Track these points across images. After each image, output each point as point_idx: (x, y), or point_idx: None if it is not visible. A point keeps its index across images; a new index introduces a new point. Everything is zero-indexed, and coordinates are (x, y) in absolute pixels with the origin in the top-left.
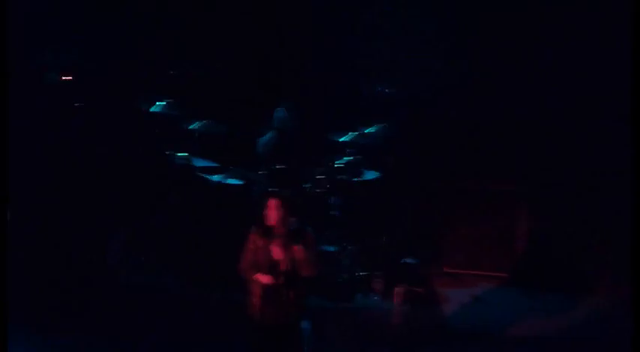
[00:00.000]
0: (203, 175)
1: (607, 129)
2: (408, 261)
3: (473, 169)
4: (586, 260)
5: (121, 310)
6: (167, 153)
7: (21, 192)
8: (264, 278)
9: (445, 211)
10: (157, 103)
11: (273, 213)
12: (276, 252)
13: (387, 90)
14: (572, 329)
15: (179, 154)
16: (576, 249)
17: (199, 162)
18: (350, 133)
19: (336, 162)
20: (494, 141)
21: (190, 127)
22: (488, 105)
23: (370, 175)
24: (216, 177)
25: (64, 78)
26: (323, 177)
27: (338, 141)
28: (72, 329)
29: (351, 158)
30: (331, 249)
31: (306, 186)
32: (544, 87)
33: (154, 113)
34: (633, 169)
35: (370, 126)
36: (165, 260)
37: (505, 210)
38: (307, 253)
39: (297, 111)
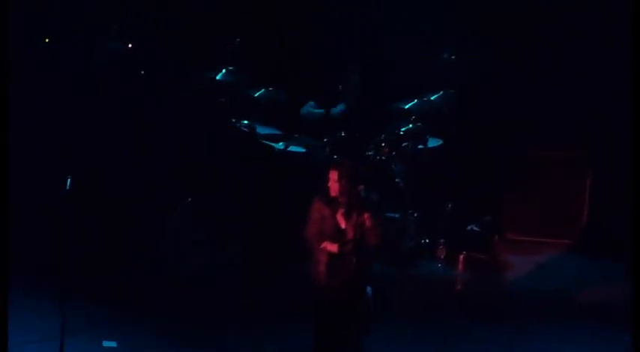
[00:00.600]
0: (267, 142)
1: None
2: (472, 228)
3: (537, 136)
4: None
5: (186, 289)
6: (233, 120)
7: (77, 166)
8: (331, 247)
9: (510, 179)
10: (222, 71)
11: (337, 182)
12: (343, 221)
13: (452, 57)
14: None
15: (244, 122)
16: None
17: (263, 130)
18: (414, 100)
19: (400, 129)
20: (559, 106)
21: (255, 95)
22: (553, 72)
23: (433, 142)
24: (279, 145)
25: (129, 45)
26: (386, 144)
27: (402, 108)
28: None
29: (415, 125)
30: (395, 216)
31: (370, 153)
32: (608, 51)
33: (218, 81)
34: (633, 169)
35: (434, 93)
36: (228, 233)
37: (570, 177)
38: (376, 221)
39: (361, 78)
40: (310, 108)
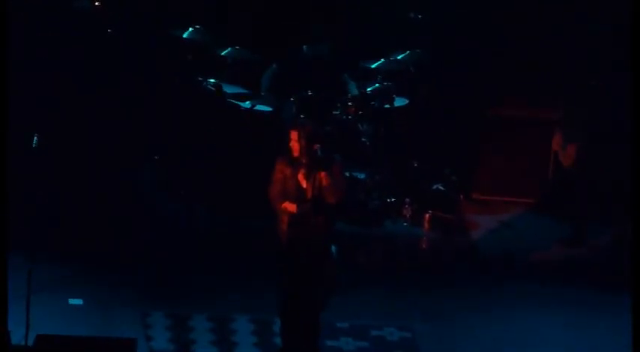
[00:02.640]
0: (234, 101)
1: None
2: (438, 187)
3: (504, 96)
4: (613, 189)
5: (151, 238)
6: (200, 79)
7: (53, 120)
8: (291, 207)
9: (475, 138)
10: (190, 29)
11: (297, 143)
12: (302, 181)
13: (419, 16)
14: (596, 255)
15: (210, 80)
16: (605, 178)
17: (230, 89)
18: (381, 60)
19: (367, 88)
20: (528, 68)
21: (222, 54)
22: (524, 34)
23: (400, 102)
24: (246, 104)
25: (96, 3)
26: (353, 104)
27: (369, 68)
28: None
29: (382, 84)
30: (361, 175)
31: (336, 113)
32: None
33: (186, 39)
34: (633, 169)
35: (401, 52)
36: (196, 188)
37: (536, 137)
38: (333, 180)
39: (328, 37)
40: (274, 70)
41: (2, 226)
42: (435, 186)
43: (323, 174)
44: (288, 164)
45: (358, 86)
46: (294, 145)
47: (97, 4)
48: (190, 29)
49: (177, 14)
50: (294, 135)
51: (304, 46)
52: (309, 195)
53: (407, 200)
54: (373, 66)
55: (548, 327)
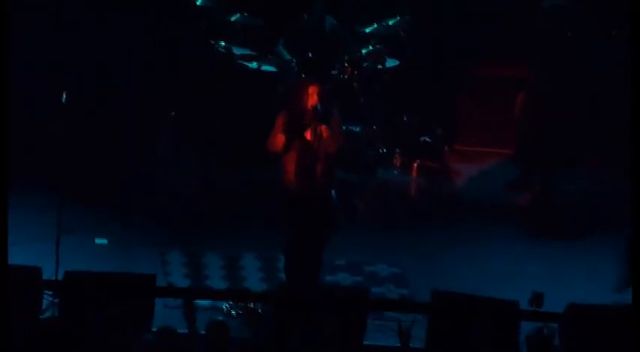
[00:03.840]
0: (242, 62)
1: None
2: (425, 139)
3: (487, 56)
4: (583, 139)
5: (169, 185)
6: (212, 42)
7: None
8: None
9: (459, 94)
10: None
11: (300, 99)
12: (305, 133)
13: None
14: (569, 199)
15: (221, 43)
16: (575, 130)
17: (239, 51)
18: (374, 25)
19: (362, 51)
20: (510, 26)
21: (232, 19)
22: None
23: (391, 63)
24: (253, 64)
25: None
26: (349, 65)
27: (363, 32)
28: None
29: (375, 48)
30: (356, 128)
31: (334, 73)
32: None
33: (198, 6)
34: (633, 169)
35: (392, 18)
36: (208, 145)
37: (512, 94)
38: (332, 132)
39: (326, 6)
40: (283, 48)
41: (3, 222)
42: (422, 138)
43: (323, 127)
44: (289, 118)
45: (353, 48)
46: (297, 102)
47: None
48: None
49: None
50: (297, 92)
51: (305, 14)
52: (312, 143)
53: (397, 150)
54: (367, 30)
55: (525, 264)
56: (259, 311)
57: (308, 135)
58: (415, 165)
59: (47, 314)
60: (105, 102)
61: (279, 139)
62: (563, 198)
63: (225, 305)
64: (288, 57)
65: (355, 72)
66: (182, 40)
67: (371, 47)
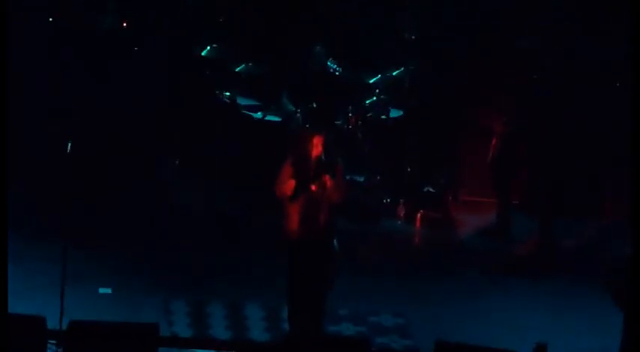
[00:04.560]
0: (246, 112)
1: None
2: (428, 189)
3: (485, 106)
4: (589, 187)
5: (173, 234)
6: (217, 92)
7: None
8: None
9: (464, 146)
10: (208, 48)
11: (304, 149)
12: (309, 182)
13: (412, 37)
14: (577, 248)
15: (226, 93)
16: (579, 177)
17: (243, 101)
18: (378, 75)
19: (366, 101)
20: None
21: (237, 70)
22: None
23: (395, 113)
24: (258, 114)
25: (123, 24)
26: (353, 115)
27: (367, 83)
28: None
29: (379, 98)
30: (360, 178)
31: (338, 122)
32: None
33: (204, 57)
34: (632, 169)
35: (396, 69)
36: (212, 185)
37: (515, 144)
38: (335, 182)
39: (330, 53)
40: (288, 99)
41: (3, 226)
42: (425, 188)
43: (326, 176)
44: (294, 166)
45: (358, 99)
46: (301, 151)
47: (124, 24)
48: (208, 48)
49: (196, 33)
50: (302, 142)
51: (308, 63)
52: (315, 195)
53: (401, 200)
54: (371, 81)
55: (528, 314)
56: None
57: (312, 184)
58: (419, 215)
59: None
60: (108, 151)
61: (289, 184)
62: (567, 247)
63: None
64: (292, 107)
65: (359, 122)
66: (189, 90)
67: (375, 97)
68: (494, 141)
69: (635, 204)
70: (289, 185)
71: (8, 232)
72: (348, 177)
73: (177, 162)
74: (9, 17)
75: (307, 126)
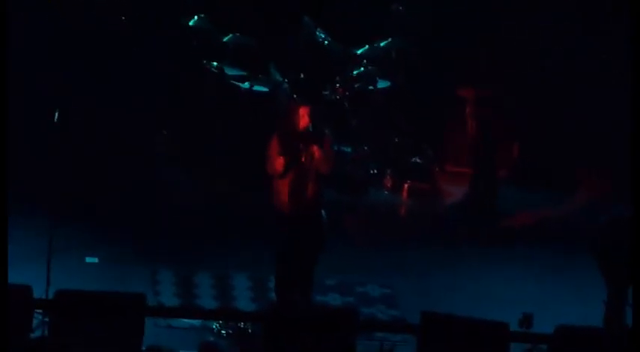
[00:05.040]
0: (234, 82)
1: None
2: (416, 160)
3: (474, 79)
4: (573, 160)
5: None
6: (204, 62)
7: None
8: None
9: (449, 116)
10: (195, 17)
11: (292, 120)
12: (297, 153)
13: (400, 8)
14: (562, 220)
15: (213, 63)
16: (565, 150)
17: (231, 71)
18: (366, 46)
19: (353, 72)
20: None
21: (224, 40)
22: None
23: (382, 84)
24: (245, 85)
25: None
26: (340, 85)
27: (355, 53)
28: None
29: (366, 68)
30: (348, 149)
31: (326, 93)
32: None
33: (192, 27)
34: (632, 170)
35: (383, 40)
36: (200, 163)
37: (501, 116)
38: (323, 153)
39: (319, 24)
40: (275, 69)
41: (2, 220)
42: (413, 159)
43: (315, 147)
44: (283, 140)
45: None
46: (290, 123)
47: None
48: (195, 17)
49: (183, 4)
50: (289, 113)
51: (297, 34)
52: (303, 166)
53: (388, 171)
54: (358, 51)
55: (514, 284)
56: (249, 331)
57: (300, 156)
58: (406, 185)
59: (37, 333)
60: (94, 120)
61: (279, 161)
62: (554, 218)
63: (215, 325)
64: (279, 78)
65: (347, 93)
66: (175, 60)
67: (362, 68)
68: (472, 112)
69: (636, 202)
70: (279, 161)
71: None
72: (335, 148)
73: (164, 132)
74: (9, 17)
75: (295, 96)
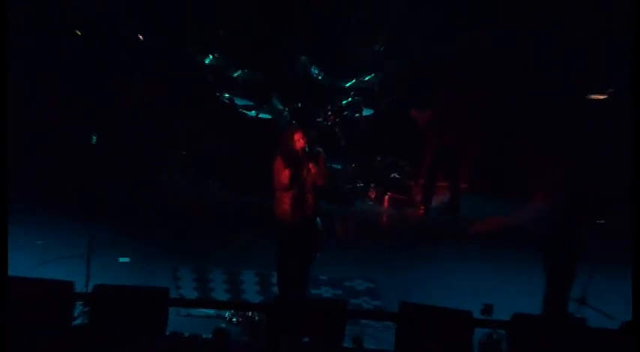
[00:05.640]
0: (243, 111)
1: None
2: (395, 175)
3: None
4: (526, 172)
5: (181, 212)
6: (217, 94)
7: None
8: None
9: (422, 138)
10: (210, 56)
11: (292, 142)
12: (296, 169)
13: (381, 49)
14: (517, 226)
15: (225, 95)
16: (518, 164)
17: (240, 101)
18: (353, 80)
19: (342, 102)
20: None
21: (234, 75)
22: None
23: (367, 112)
24: (252, 113)
25: (139, 37)
26: (332, 113)
27: (343, 86)
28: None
29: (353, 99)
30: (338, 166)
31: (319, 120)
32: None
33: (207, 64)
34: (633, 170)
35: (368, 75)
36: (215, 176)
37: (462, 135)
38: (318, 169)
39: (313, 61)
40: (277, 100)
41: (3, 222)
42: (392, 175)
43: (311, 164)
44: (285, 158)
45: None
46: (290, 144)
47: (140, 37)
48: (210, 56)
49: (200, 45)
50: (289, 136)
51: (293, 71)
52: (303, 179)
53: (372, 185)
54: (347, 85)
55: (477, 279)
56: (256, 319)
57: (299, 171)
58: (387, 197)
59: (78, 322)
60: (130, 142)
61: (285, 174)
62: (511, 223)
63: (227, 314)
64: (281, 107)
65: (337, 119)
66: (194, 92)
67: (350, 99)
68: (435, 137)
69: (636, 206)
70: (285, 174)
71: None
72: (328, 165)
73: (184, 153)
74: (9, 17)
75: (294, 122)
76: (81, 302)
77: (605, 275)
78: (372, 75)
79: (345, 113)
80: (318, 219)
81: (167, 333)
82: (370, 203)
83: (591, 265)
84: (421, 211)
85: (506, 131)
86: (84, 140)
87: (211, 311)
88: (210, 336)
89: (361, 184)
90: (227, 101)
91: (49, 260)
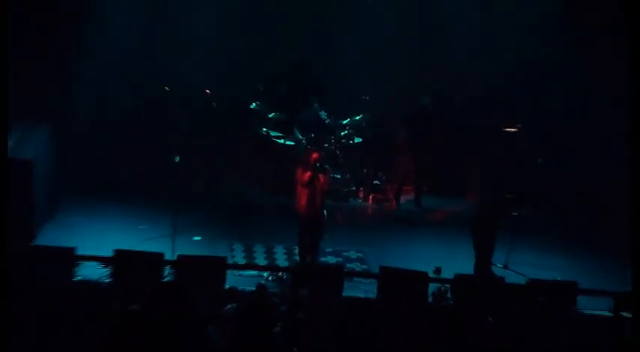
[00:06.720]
0: (275, 140)
1: None
2: (376, 182)
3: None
4: (465, 174)
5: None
6: (259, 129)
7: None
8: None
9: (394, 157)
10: (253, 104)
11: (308, 160)
12: (313, 178)
13: (367, 98)
14: (458, 214)
15: (263, 129)
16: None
17: (273, 133)
18: (348, 119)
19: (341, 133)
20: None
21: (270, 116)
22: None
23: (357, 140)
24: (281, 141)
25: (207, 91)
26: (334, 141)
27: (341, 123)
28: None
29: (348, 131)
30: (338, 176)
31: (327, 145)
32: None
33: (252, 109)
34: (633, 170)
35: (358, 115)
36: (257, 182)
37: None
38: (325, 178)
39: (322, 108)
40: (298, 132)
41: (2, 222)
42: (374, 181)
43: (320, 175)
44: (304, 169)
45: (337, 131)
46: (307, 160)
47: (207, 91)
48: (254, 104)
49: (247, 95)
50: (307, 155)
51: (308, 113)
52: (316, 184)
53: (360, 188)
54: (344, 122)
55: (432, 250)
56: (284, 278)
57: (313, 179)
58: (371, 196)
59: (167, 279)
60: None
61: (305, 177)
62: (451, 214)
63: (265, 274)
64: (300, 137)
65: (338, 145)
66: (242, 129)
67: (346, 131)
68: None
69: (635, 204)
70: (305, 176)
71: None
72: (331, 175)
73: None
74: (9, 17)
75: (309, 147)
76: (168, 267)
77: (520, 247)
78: (361, 115)
79: (343, 141)
80: (324, 211)
81: (225, 287)
82: (359, 200)
83: (511, 240)
84: (393, 205)
85: (450, 150)
86: (169, 159)
87: (254, 272)
88: (254, 289)
89: (353, 188)
90: (265, 133)
91: (149, 238)
